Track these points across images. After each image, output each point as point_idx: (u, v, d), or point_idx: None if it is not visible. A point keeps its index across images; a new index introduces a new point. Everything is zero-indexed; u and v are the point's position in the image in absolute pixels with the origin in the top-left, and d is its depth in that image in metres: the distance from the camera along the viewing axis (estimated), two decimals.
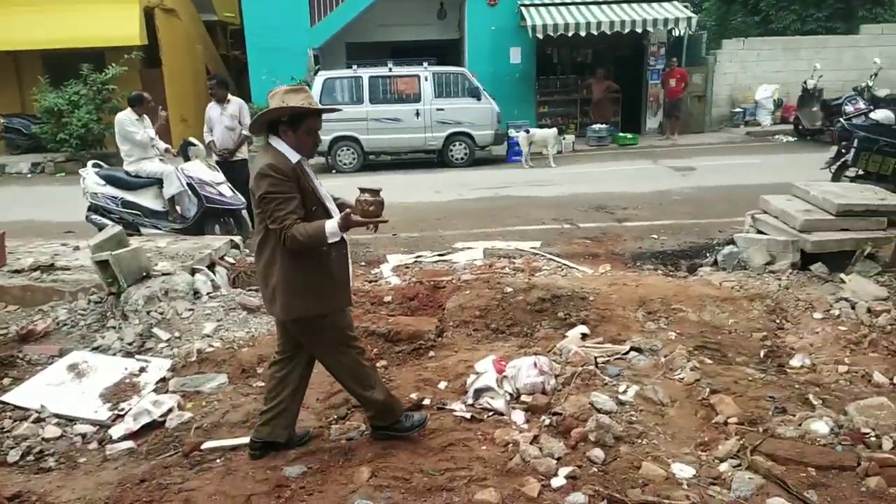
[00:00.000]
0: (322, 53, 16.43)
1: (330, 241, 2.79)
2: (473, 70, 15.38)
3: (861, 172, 7.33)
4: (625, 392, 3.78)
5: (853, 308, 4.79)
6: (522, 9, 14.67)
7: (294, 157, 2.89)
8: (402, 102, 12.58)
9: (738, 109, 16.17)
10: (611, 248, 6.79)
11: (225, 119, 7.50)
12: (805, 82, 14.12)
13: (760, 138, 14.98)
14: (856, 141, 7.19)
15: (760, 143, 14.48)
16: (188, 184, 6.85)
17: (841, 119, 8.52)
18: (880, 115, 7.64)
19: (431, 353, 4.53)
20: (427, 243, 7.12)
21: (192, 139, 7.26)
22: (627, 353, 4.33)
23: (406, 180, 11.59)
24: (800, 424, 3.33)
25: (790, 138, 14.50)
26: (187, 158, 7.10)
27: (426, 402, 3.79)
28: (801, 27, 18.26)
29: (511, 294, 5.21)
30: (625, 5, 14.61)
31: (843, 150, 7.41)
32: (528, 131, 12.69)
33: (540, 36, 14.21)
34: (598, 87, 15.36)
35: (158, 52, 15.72)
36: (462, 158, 12.82)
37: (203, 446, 3.40)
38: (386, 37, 17.02)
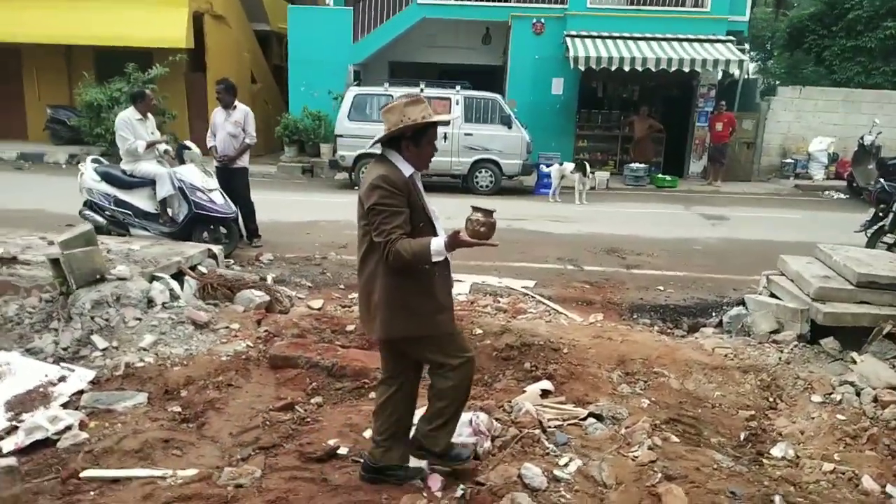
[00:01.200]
0: (364, 70, 16.43)
1: (434, 259, 2.69)
2: (514, 98, 15.14)
3: None
4: (565, 466, 3.33)
5: (858, 395, 4.20)
6: (568, 39, 14.30)
7: (408, 170, 2.83)
8: None
9: (788, 160, 15.35)
10: (610, 296, 6.29)
11: (228, 125, 7.36)
12: (862, 137, 13.28)
13: (809, 192, 14.15)
14: (895, 204, 6.55)
15: (808, 198, 13.66)
16: (179, 188, 6.69)
17: (882, 179, 7.83)
18: None
19: (372, 395, 4.14)
20: None
21: (187, 143, 7.12)
22: (585, 418, 3.87)
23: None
24: None
25: (842, 195, 13.64)
26: (182, 161, 6.96)
27: (342, 451, 3.42)
28: (865, 80, 17.33)
29: (479, 336, 4.81)
30: (675, 43, 14.09)
31: (881, 214, 6.76)
32: (561, 164, 12.26)
33: (582, 68, 13.79)
34: (640, 125, 14.82)
35: (205, 57, 15.97)
36: (487, 186, 12.46)
37: (82, 474, 3.10)
38: (430, 58, 16.91)
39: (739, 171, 15.30)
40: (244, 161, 7.53)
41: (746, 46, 15.31)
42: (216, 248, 6.24)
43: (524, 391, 4.19)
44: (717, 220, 10.51)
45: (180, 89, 15.99)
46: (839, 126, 15.57)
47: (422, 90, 12.33)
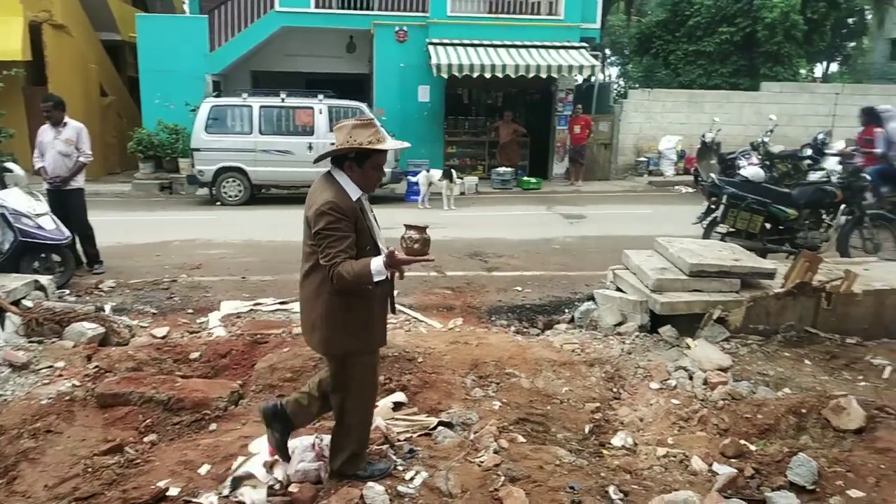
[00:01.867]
0: (225, 80, 15.80)
1: (375, 279, 2.75)
2: (382, 106, 15.11)
3: (731, 230, 7.21)
4: (411, 480, 3.28)
5: (690, 378, 4.47)
6: (430, 47, 14.46)
7: (356, 193, 2.87)
8: (295, 135, 12.03)
9: (642, 159, 16.35)
10: (470, 300, 6.36)
11: (59, 144, 6.77)
12: (704, 135, 14.36)
13: (662, 188, 15.12)
14: (724, 197, 7.07)
15: (661, 193, 14.59)
16: (0, 215, 6.07)
17: (712, 174, 8.48)
18: (749, 171, 7.60)
19: (213, 427, 3.92)
20: (276, 288, 6.53)
21: (9, 164, 6.49)
22: (435, 427, 3.85)
23: (286, 216, 10.98)
24: None
25: (689, 189, 14.67)
26: (4, 186, 6.32)
27: (173, 492, 3.18)
28: (706, 81, 18.79)
29: None
30: (532, 50, 14.62)
31: (713, 206, 7.28)
32: (428, 171, 12.34)
33: (445, 75, 14.01)
34: (505, 129, 15.25)
35: (45, 69, 14.71)
36: None
37: None
38: (295, 67, 16.55)
39: (598, 170, 16.10)
40: (79, 181, 6.95)
41: (600, 53, 16.10)
42: (45, 279, 5.71)
43: (376, 406, 4.11)
44: (576, 219, 10.97)
45: (18, 105, 14.61)
46: (685, 125, 16.77)
47: (283, 100, 12.04)
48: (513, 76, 14.06)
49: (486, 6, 15.31)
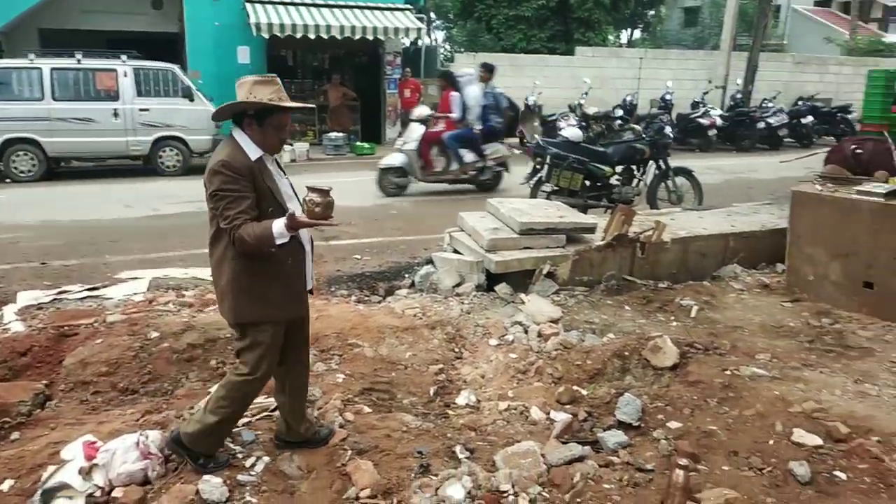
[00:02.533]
0: (8, 40, 13.77)
1: (277, 242, 2.63)
2: (198, 69, 14.00)
3: (556, 188, 7.59)
4: (252, 467, 3.09)
5: (526, 332, 4.65)
6: (248, 5, 13.59)
7: (255, 153, 2.73)
8: (97, 100, 10.79)
9: None
10: None
11: None
12: (526, 98, 14.96)
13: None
14: (548, 158, 7.40)
15: None
16: None
17: (536, 136, 8.89)
18: (569, 132, 8.00)
19: (16, 435, 3.43)
20: (83, 274, 5.85)
21: None
22: (276, 409, 3.66)
23: (94, 191, 9.93)
24: (437, 489, 2.91)
25: (516, 150, 15.24)
26: None
27: None
28: (526, 45, 19.58)
29: (155, 340, 4.28)
30: (358, 11, 14.27)
31: (538, 167, 7.61)
32: None
33: (265, 35, 13.27)
34: (334, 93, 14.83)
35: None
36: (174, 166, 11.38)
37: None
38: (92, 25, 14.78)
39: None
40: None
41: (425, 16, 16.13)
42: None
43: (210, 392, 3.82)
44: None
45: None
46: (510, 88, 17.18)
47: (79, 61, 10.72)
48: (339, 37, 13.64)
49: None
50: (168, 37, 15.51)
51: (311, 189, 2.63)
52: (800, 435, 3.15)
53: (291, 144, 12.99)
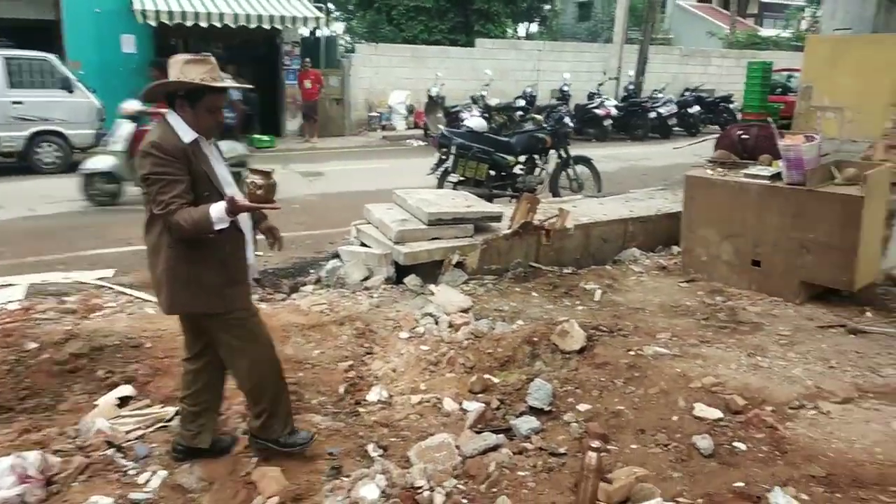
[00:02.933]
0: None
1: (217, 227, 2.51)
2: (78, 59, 13.01)
3: (462, 178, 7.59)
4: (147, 483, 2.87)
5: (437, 323, 4.59)
6: None
7: (189, 135, 2.62)
8: None
9: (374, 114, 16.55)
10: None
11: None
12: (430, 90, 14.93)
13: (396, 142, 15.47)
14: (453, 148, 7.39)
15: (395, 147, 14.93)
16: None
17: (440, 126, 8.88)
18: (473, 122, 8.04)
19: None
20: None
21: None
22: (173, 419, 3.43)
23: None
24: (349, 491, 2.80)
25: (421, 143, 15.23)
26: None
27: None
28: (428, 37, 19.54)
29: (33, 352, 3.91)
30: (252, 0, 13.71)
31: (444, 157, 7.58)
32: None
33: (152, 23, 12.50)
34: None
35: None
36: (53, 163, 10.53)
37: None
38: None
39: (333, 126, 15.92)
40: None
41: (323, 6, 15.72)
42: None
43: (97, 405, 3.54)
44: (314, 177, 10.73)
45: None
46: (411, 80, 17.28)
47: None
48: (233, 26, 13.05)
49: None
50: (43, 24, 14.30)
51: (253, 171, 2.55)
52: (701, 409, 3.27)
53: None
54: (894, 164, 5.13)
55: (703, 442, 2.97)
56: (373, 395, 3.85)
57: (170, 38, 14.45)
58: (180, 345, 4.15)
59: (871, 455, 2.83)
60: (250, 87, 3.16)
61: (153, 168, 2.54)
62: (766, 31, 31.23)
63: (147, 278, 5.49)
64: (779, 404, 3.27)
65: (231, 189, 2.70)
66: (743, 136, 5.73)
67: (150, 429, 3.33)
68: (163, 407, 3.57)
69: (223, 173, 2.76)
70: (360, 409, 3.71)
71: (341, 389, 3.96)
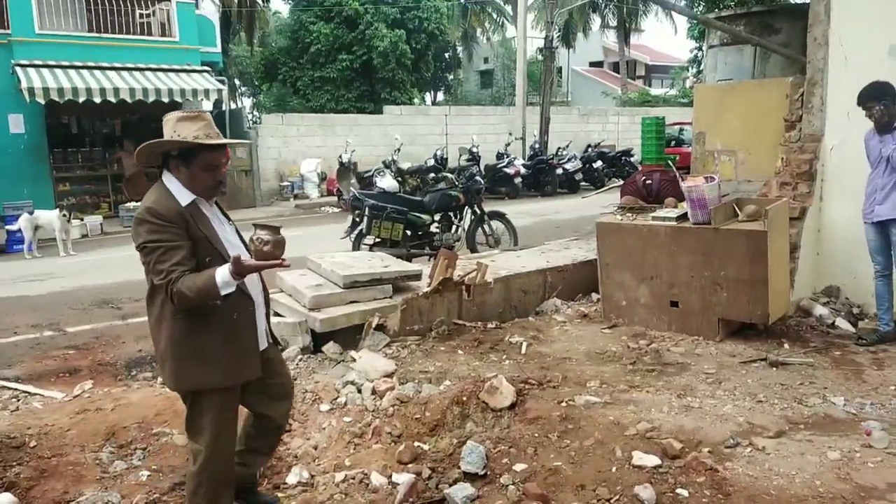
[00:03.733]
0: None
1: (223, 292, 2.31)
2: None
3: (378, 239, 7.44)
4: None
5: (359, 391, 4.32)
6: (18, 69, 12.18)
7: (186, 197, 2.46)
8: None
9: (285, 183, 16.32)
10: (102, 356, 5.34)
11: None
12: (340, 156, 14.89)
13: (309, 210, 15.24)
14: (367, 209, 7.26)
15: (309, 215, 14.68)
16: None
17: (352, 189, 8.77)
18: (385, 183, 7.99)
19: None
20: None
21: None
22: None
23: None
24: None
25: (335, 209, 15.05)
26: None
27: None
28: (335, 106, 19.69)
29: None
30: (150, 73, 13.40)
31: (358, 220, 7.44)
32: (31, 213, 10.29)
33: (42, 101, 11.94)
34: (129, 161, 13.66)
35: None
36: None
37: None
38: None
39: (243, 198, 15.53)
40: None
41: (226, 79, 15.59)
42: None
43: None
44: None
45: None
46: (322, 147, 17.24)
47: None
48: (129, 101, 12.66)
49: (84, 24, 13.52)
50: None
51: (259, 227, 2.38)
52: (639, 457, 3.15)
53: (81, 219, 11.68)
54: (790, 200, 5.38)
55: (646, 492, 2.84)
56: (292, 476, 3.52)
57: (60, 115, 13.84)
58: (71, 441, 3.74)
59: (812, 489, 2.77)
60: (246, 142, 3.01)
61: (149, 236, 2.38)
62: (655, 91, 33.48)
63: (37, 368, 5.04)
64: (715, 444, 3.20)
65: (238, 252, 2.42)
66: (647, 182, 5.91)
67: None
68: None
69: (227, 236, 2.58)
70: (279, 494, 3.37)
71: (257, 474, 3.60)
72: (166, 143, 2.47)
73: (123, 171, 13.82)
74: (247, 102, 31.45)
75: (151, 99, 12.75)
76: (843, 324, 5.13)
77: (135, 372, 5.07)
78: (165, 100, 12.91)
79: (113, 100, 12.39)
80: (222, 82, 14.65)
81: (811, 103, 5.60)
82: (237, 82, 28.73)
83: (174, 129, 2.48)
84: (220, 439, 2.60)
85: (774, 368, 4.26)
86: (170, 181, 2.50)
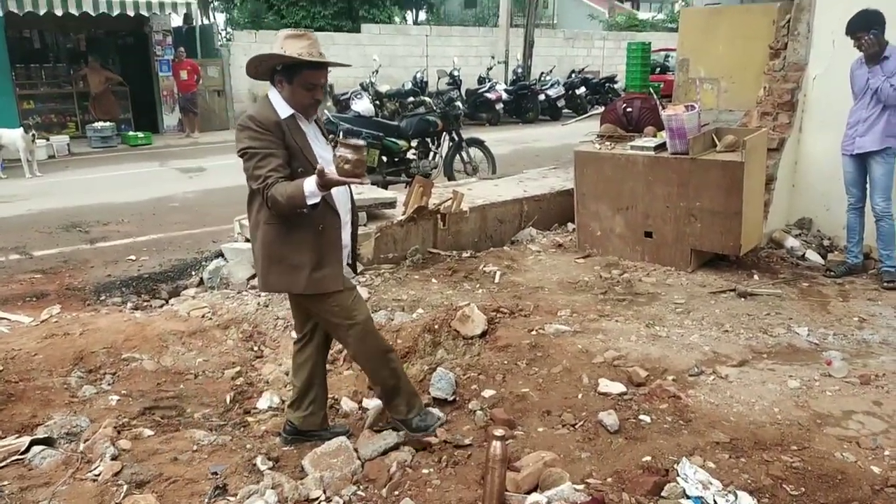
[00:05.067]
0: None
1: (309, 202, 2.42)
2: None
3: None
4: None
5: None
6: None
7: (285, 111, 2.59)
8: None
9: None
10: (70, 280, 5.24)
11: None
12: None
13: None
14: (340, 133, 7.06)
15: None
16: None
17: (326, 112, 8.51)
18: (360, 106, 7.74)
19: None
20: None
21: None
22: (28, 449, 2.99)
23: None
24: None
25: None
26: None
27: None
28: (311, 24, 18.91)
29: None
30: None
31: (332, 144, 7.24)
32: None
33: (0, 12, 11.29)
34: (95, 78, 13.12)
35: None
36: None
37: None
38: None
39: (216, 119, 15.09)
40: None
41: None
42: None
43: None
44: (195, 173, 10.06)
45: None
46: None
47: None
48: (93, 14, 11.96)
49: None
50: None
51: (343, 144, 2.40)
52: (605, 385, 3.20)
53: (47, 139, 11.29)
54: (770, 130, 5.32)
55: (609, 418, 2.89)
56: (263, 401, 3.56)
57: (20, 29, 13.15)
58: (39, 365, 3.72)
59: (770, 416, 2.84)
60: (346, 64, 3.08)
61: (250, 143, 2.52)
62: (644, 14, 32.62)
63: (7, 290, 4.95)
64: (679, 373, 3.26)
65: (329, 169, 2.46)
66: (627, 110, 5.79)
67: (2, 464, 2.88)
68: (17, 437, 3.11)
69: (321, 151, 2.69)
70: (249, 419, 3.41)
71: (227, 399, 3.64)
72: (273, 57, 2.55)
73: (89, 89, 13.27)
74: (219, 18, 30.05)
75: (116, 12, 12.08)
76: (813, 256, 5.18)
77: (103, 297, 5.01)
78: (131, 13, 12.26)
79: (75, 12, 11.72)
80: None
81: (797, 30, 5.45)
82: None
83: (282, 45, 2.54)
84: (354, 311, 2.76)
85: (743, 299, 4.32)
86: (273, 95, 2.62)
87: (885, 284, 4.58)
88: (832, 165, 5.03)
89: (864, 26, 4.41)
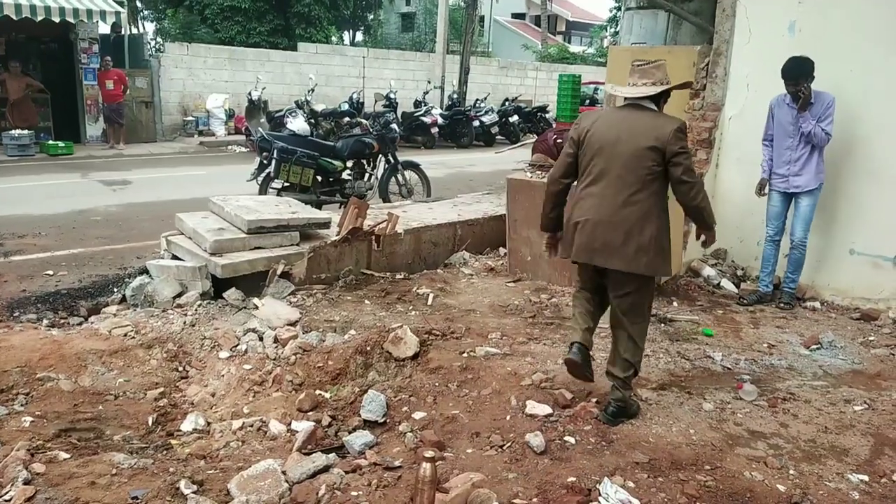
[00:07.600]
0: None
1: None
2: None
3: (286, 184, 7.22)
4: None
5: (261, 339, 4.26)
6: None
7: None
8: None
9: (190, 118, 15.46)
10: None
11: None
12: (250, 93, 14.22)
13: (214, 149, 14.56)
14: (275, 152, 7.01)
15: (214, 154, 14.03)
16: None
17: (260, 129, 8.44)
18: (296, 125, 7.72)
19: None
20: None
21: None
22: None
23: None
24: None
25: (243, 149, 14.45)
26: None
27: None
28: (246, 39, 18.69)
29: None
30: None
31: (266, 162, 7.18)
32: None
33: None
34: (14, 84, 12.51)
35: None
36: None
37: None
38: None
39: (142, 131, 14.61)
40: None
41: (126, 1, 14.41)
42: None
43: None
44: (120, 186, 9.70)
45: None
46: (230, 83, 16.41)
47: None
48: (14, 18, 11.46)
49: None
50: None
51: None
52: (532, 406, 3.29)
53: None
54: None
55: (536, 440, 2.98)
56: (187, 423, 3.46)
57: None
58: None
59: (686, 437, 3.00)
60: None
61: (685, 143, 3.04)
62: (574, 48, 33.82)
63: None
64: (603, 395, 3.38)
65: None
66: (558, 140, 5.99)
67: None
68: None
69: None
70: (173, 441, 3.31)
71: (150, 421, 3.52)
72: (679, 86, 3.30)
73: (7, 96, 12.63)
74: (149, 28, 29.25)
75: (40, 17, 11.59)
76: (727, 284, 5.49)
77: (18, 313, 4.76)
78: (56, 19, 11.78)
79: None
80: (121, 4, 13.55)
81: (715, 73, 5.82)
82: (139, 4, 26.66)
83: (666, 73, 3.19)
84: (649, 314, 3.31)
85: (663, 324, 4.53)
86: (660, 111, 3.21)
87: (782, 305, 4.93)
88: (746, 200, 5.36)
89: (804, 74, 4.63)
